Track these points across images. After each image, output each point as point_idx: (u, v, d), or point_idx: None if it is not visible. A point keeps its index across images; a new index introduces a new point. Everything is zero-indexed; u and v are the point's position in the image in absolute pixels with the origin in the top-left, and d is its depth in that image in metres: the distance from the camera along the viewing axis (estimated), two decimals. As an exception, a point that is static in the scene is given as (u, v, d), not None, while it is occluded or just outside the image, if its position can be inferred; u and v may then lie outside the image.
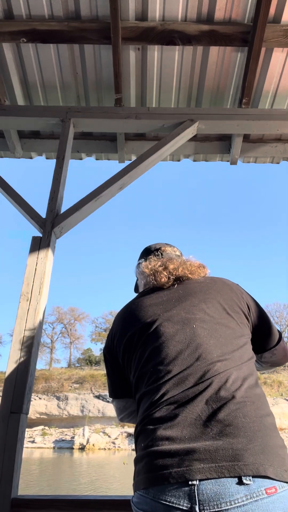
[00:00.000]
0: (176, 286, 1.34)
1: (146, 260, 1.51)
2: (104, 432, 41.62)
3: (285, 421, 42.17)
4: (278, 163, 3.34)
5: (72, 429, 43.22)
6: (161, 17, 2.62)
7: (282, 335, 1.38)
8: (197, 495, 0.87)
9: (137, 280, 1.64)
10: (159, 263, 1.42)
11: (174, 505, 0.88)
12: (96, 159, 3.38)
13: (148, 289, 1.40)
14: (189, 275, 1.35)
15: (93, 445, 38.95)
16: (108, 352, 1.38)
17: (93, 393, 45.31)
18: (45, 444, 41.01)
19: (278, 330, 1.39)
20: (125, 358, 1.29)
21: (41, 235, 2.32)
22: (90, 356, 58.22)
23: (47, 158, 3.38)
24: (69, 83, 2.94)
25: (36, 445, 40.55)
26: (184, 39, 2.62)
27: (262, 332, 1.34)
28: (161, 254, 1.54)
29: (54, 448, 40.22)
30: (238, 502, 0.84)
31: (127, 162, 3.22)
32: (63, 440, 41.54)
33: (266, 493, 0.86)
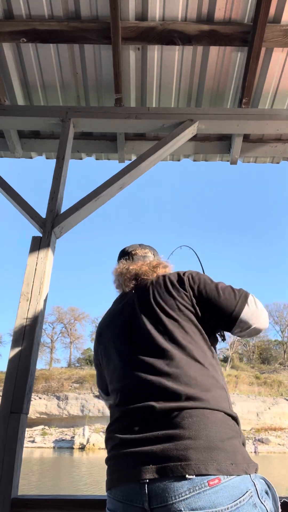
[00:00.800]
0: (132, 292, 1.42)
1: (117, 264, 1.59)
2: (104, 432, 41.55)
3: (285, 421, 42.19)
4: (278, 163, 3.34)
5: (72, 428, 43.22)
6: (161, 17, 2.61)
7: (250, 297, 1.27)
8: (147, 492, 0.96)
9: None
10: (124, 267, 1.49)
11: (128, 503, 0.99)
12: (96, 159, 3.37)
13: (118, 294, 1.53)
14: (143, 277, 1.41)
15: (93, 444, 38.94)
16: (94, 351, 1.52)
17: (93, 393, 45.30)
18: (45, 443, 41.01)
19: (238, 297, 1.27)
20: (102, 362, 1.42)
21: (41, 235, 2.32)
22: (90, 356, 58.18)
23: (47, 158, 3.38)
24: (69, 83, 2.94)
25: (36, 444, 40.55)
26: (184, 39, 2.62)
27: (215, 309, 1.27)
28: (132, 258, 1.58)
29: (54, 447, 40.22)
30: (182, 496, 0.92)
31: (127, 162, 3.22)
32: (63, 440, 41.54)
33: (208, 484, 0.92)
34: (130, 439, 1.07)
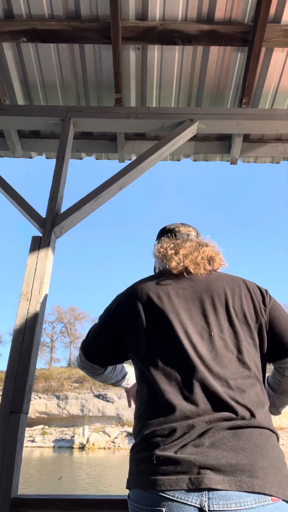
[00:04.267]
0: (184, 276, 1.28)
1: (159, 242, 1.46)
2: (104, 431, 41.65)
3: (285, 421, 42.20)
4: (278, 163, 3.34)
5: (72, 428, 43.25)
6: (161, 16, 2.61)
7: None
8: (208, 494, 0.90)
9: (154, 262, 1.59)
10: (171, 245, 1.38)
11: (184, 501, 0.91)
12: (96, 159, 3.37)
13: (160, 273, 1.36)
14: (195, 270, 1.27)
15: (93, 444, 38.99)
16: (108, 315, 1.34)
17: (93, 393, 45.32)
18: (45, 443, 41.04)
19: None
20: (126, 333, 1.26)
21: (41, 235, 2.32)
22: (90, 356, 58.03)
23: (47, 158, 3.38)
24: (69, 82, 2.94)
25: (36, 444, 40.59)
26: (184, 39, 2.62)
27: (281, 334, 1.23)
28: (175, 235, 1.47)
29: (54, 447, 40.25)
30: (248, 505, 0.89)
31: (127, 162, 3.22)
32: (63, 440, 41.57)
33: (271, 500, 0.91)
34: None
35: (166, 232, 1.51)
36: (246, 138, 3.15)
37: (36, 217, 2.39)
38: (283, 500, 0.93)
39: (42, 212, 2.41)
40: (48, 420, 44.62)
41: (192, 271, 1.27)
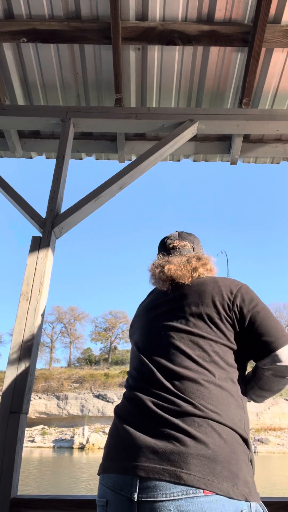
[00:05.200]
0: (171, 290, 1.34)
1: (156, 258, 1.50)
2: (103, 432, 41.61)
3: (284, 421, 42.20)
4: (278, 163, 3.35)
5: (71, 428, 43.23)
6: (161, 17, 2.61)
7: None
8: (138, 483, 0.95)
9: None
10: (160, 263, 1.42)
11: (117, 491, 0.98)
12: (96, 159, 3.38)
13: (154, 289, 1.47)
14: (180, 280, 1.32)
15: (93, 444, 38.95)
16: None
17: (93, 393, 45.31)
18: (44, 443, 41.02)
19: (283, 333, 1.18)
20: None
21: (41, 235, 2.32)
22: (90, 356, 58.21)
23: (47, 158, 3.38)
24: (69, 83, 2.94)
25: (36, 444, 40.56)
26: (184, 39, 2.62)
27: (258, 335, 1.19)
28: (169, 252, 1.49)
29: (53, 447, 40.24)
30: (174, 496, 0.90)
31: (127, 162, 3.22)
32: (62, 440, 41.55)
33: (203, 492, 0.90)
34: (134, 421, 1.08)
35: (162, 248, 1.54)
36: (246, 138, 3.15)
37: (36, 217, 2.39)
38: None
39: (42, 212, 2.42)
40: (48, 420, 44.60)
41: (176, 283, 1.33)
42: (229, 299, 1.23)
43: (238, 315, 1.21)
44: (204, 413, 1.02)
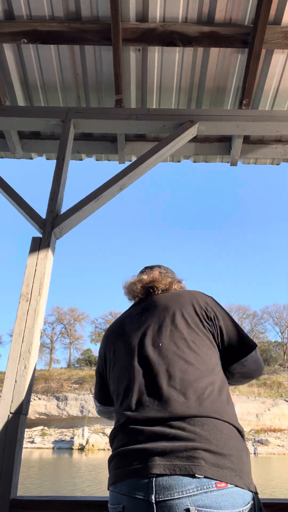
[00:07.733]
0: (147, 298, 1.47)
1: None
2: (103, 433, 41.58)
3: (284, 422, 42.15)
4: (278, 164, 3.35)
5: (71, 429, 43.20)
6: (161, 18, 2.62)
7: (257, 348, 1.37)
8: (154, 486, 0.98)
9: None
10: (136, 278, 1.56)
11: (133, 495, 1.01)
12: (96, 160, 3.38)
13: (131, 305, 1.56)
14: (157, 284, 1.47)
15: (93, 445, 38.92)
16: (99, 363, 1.54)
17: (92, 394, 45.23)
18: (44, 444, 40.98)
19: (249, 341, 1.37)
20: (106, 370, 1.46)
21: (41, 236, 2.32)
22: (89, 357, 58.16)
23: (47, 159, 3.39)
24: (70, 84, 2.94)
25: (36, 445, 40.51)
26: (184, 40, 2.62)
27: (229, 343, 1.35)
28: (145, 271, 1.62)
29: (53, 448, 40.19)
30: (190, 492, 0.95)
31: (127, 163, 3.22)
32: (62, 441, 41.51)
33: (216, 486, 0.96)
34: (139, 437, 1.09)
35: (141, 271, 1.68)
36: (246, 139, 3.15)
37: (36, 218, 2.39)
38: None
39: (42, 213, 2.41)
40: (47, 421, 44.57)
41: (153, 291, 1.48)
42: (206, 308, 1.37)
43: (213, 322, 1.35)
44: (205, 413, 1.09)
